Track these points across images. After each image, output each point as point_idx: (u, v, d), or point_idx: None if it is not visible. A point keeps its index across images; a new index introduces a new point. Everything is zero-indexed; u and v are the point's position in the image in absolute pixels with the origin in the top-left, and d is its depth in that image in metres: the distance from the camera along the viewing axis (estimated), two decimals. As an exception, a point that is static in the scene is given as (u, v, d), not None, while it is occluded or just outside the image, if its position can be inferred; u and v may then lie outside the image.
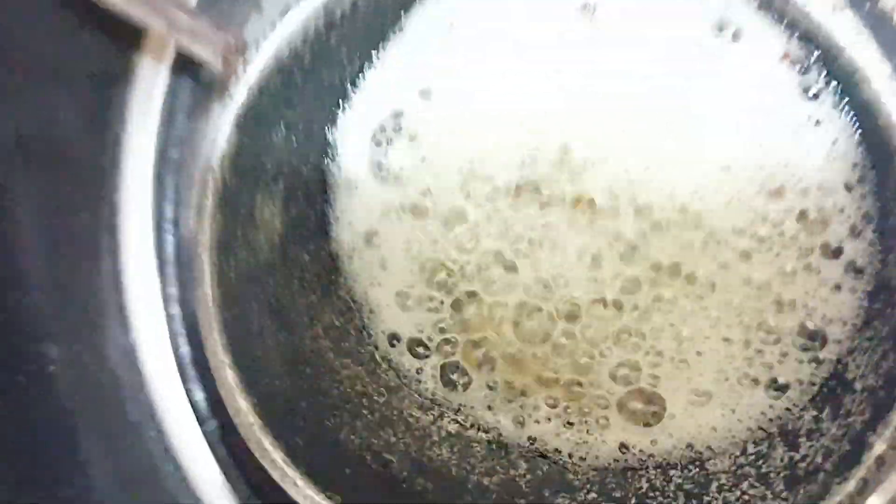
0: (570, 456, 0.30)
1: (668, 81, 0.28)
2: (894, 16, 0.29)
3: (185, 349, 0.41)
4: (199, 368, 0.41)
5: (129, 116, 0.39)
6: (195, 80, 0.39)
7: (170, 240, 0.41)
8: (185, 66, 0.39)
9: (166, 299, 0.41)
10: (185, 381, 0.41)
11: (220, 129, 0.26)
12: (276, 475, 0.26)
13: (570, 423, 0.30)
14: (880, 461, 0.23)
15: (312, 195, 0.30)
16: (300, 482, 0.25)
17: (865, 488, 0.23)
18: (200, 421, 0.41)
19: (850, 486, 0.23)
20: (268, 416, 0.25)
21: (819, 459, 0.25)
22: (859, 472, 0.23)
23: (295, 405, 0.27)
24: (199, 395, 0.41)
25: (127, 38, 0.38)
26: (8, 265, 0.42)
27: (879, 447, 0.23)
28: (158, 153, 0.39)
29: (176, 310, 0.41)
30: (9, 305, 0.42)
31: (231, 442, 0.41)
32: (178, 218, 0.41)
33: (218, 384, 0.26)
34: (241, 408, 0.25)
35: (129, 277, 0.41)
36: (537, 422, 0.31)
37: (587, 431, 0.30)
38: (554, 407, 0.30)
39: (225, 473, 0.41)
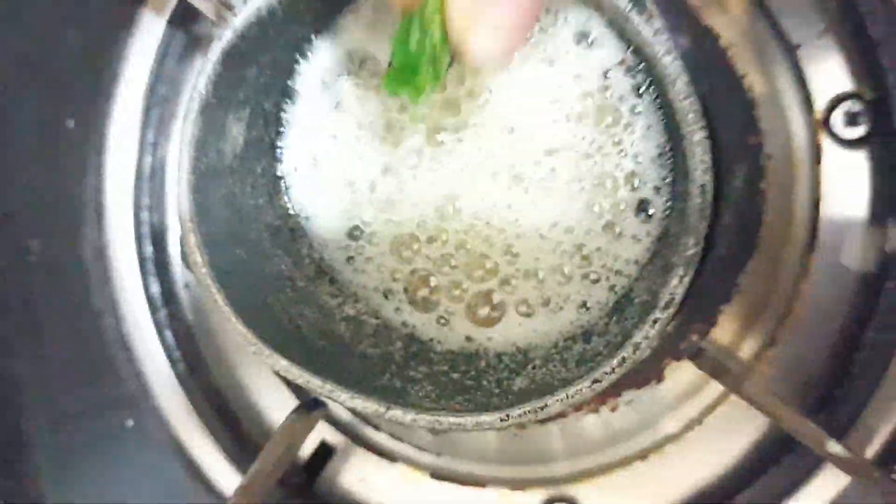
0: (430, 340, 0.40)
1: (539, 74, 0.39)
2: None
3: (147, 250, 0.50)
4: (157, 267, 0.50)
5: (127, 56, 0.48)
6: (186, 33, 0.49)
7: (148, 160, 0.49)
8: (179, 20, 0.48)
9: (138, 208, 0.50)
10: (144, 276, 0.49)
11: (209, 60, 0.35)
12: (224, 319, 0.34)
13: (439, 319, 0.40)
14: (636, 346, 0.33)
15: (269, 122, 0.39)
16: (240, 326, 0.34)
17: (623, 363, 0.33)
18: (153, 310, 0.49)
19: (615, 362, 0.33)
20: (217, 274, 0.34)
21: (601, 348, 0.35)
22: (622, 353, 0.33)
23: (236, 273, 0.36)
24: (155, 289, 0.49)
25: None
26: (3, 170, 0.50)
27: (638, 338, 0.33)
28: (149, 89, 0.48)
29: (145, 217, 0.50)
30: (1, 203, 0.50)
31: (175, 328, 0.50)
32: (157, 142, 0.50)
33: (183, 244, 0.34)
34: (198, 262, 0.34)
35: (109, 189, 0.50)
36: (409, 314, 0.41)
37: (444, 326, 0.40)
38: (424, 307, 0.41)
39: (168, 355, 0.49)
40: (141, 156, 0.48)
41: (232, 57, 0.35)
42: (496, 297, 0.39)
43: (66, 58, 0.49)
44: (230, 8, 0.36)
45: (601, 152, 0.39)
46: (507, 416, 0.33)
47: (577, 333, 0.38)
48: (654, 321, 0.33)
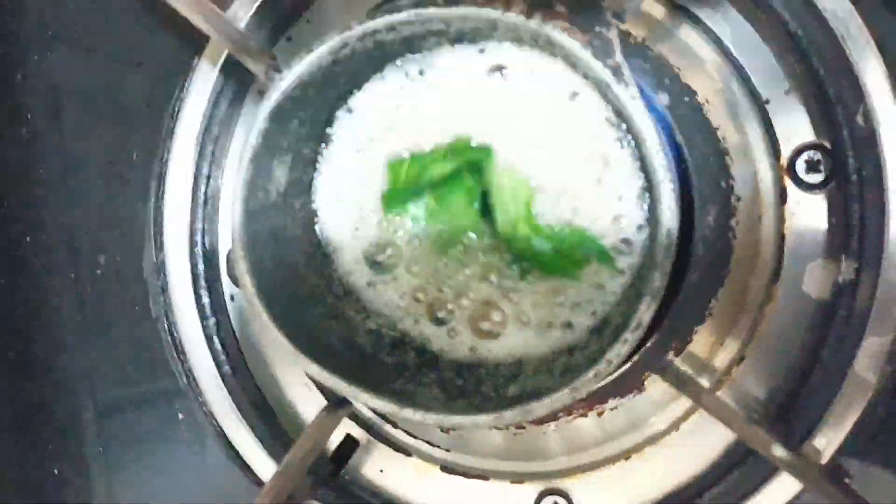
0: (440, 350, 0.47)
1: (537, 126, 0.45)
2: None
3: (200, 267, 0.56)
4: (208, 281, 0.57)
5: (186, 98, 0.55)
6: (237, 80, 0.56)
7: (202, 189, 0.56)
8: (231, 69, 0.55)
9: (192, 230, 0.56)
10: (196, 290, 0.57)
11: (259, 116, 0.41)
12: (266, 329, 0.41)
13: (449, 332, 0.47)
14: (609, 361, 0.39)
15: (307, 164, 0.47)
16: (281, 337, 0.41)
17: (598, 375, 0.39)
18: (203, 319, 0.56)
19: (591, 374, 0.39)
20: (262, 293, 0.41)
21: (582, 361, 0.42)
22: (597, 367, 0.39)
23: (277, 292, 0.43)
24: (206, 300, 0.56)
25: (195, 43, 0.55)
26: (75, 194, 0.58)
27: (610, 355, 0.39)
28: (203, 127, 0.55)
29: (199, 238, 0.57)
30: (73, 223, 0.58)
31: (222, 335, 0.57)
32: (210, 174, 0.57)
33: (234, 268, 0.41)
34: (247, 284, 0.41)
35: (168, 213, 0.57)
36: (424, 326, 0.47)
37: (453, 339, 0.46)
38: (438, 323, 0.47)
39: (215, 358, 0.56)
40: (196, 185, 0.55)
41: (278, 114, 0.42)
42: (497, 319, 0.46)
43: (133, 99, 0.57)
44: (278, 71, 0.43)
45: (591, 193, 0.45)
46: (501, 417, 0.40)
47: (563, 349, 0.45)
48: (625, 341, 0.39)
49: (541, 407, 0.39)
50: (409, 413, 0.40)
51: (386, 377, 0.43)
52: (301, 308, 0.44)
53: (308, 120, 0.43)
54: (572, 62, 0.42)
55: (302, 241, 0.46)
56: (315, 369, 0.40)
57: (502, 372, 0.44)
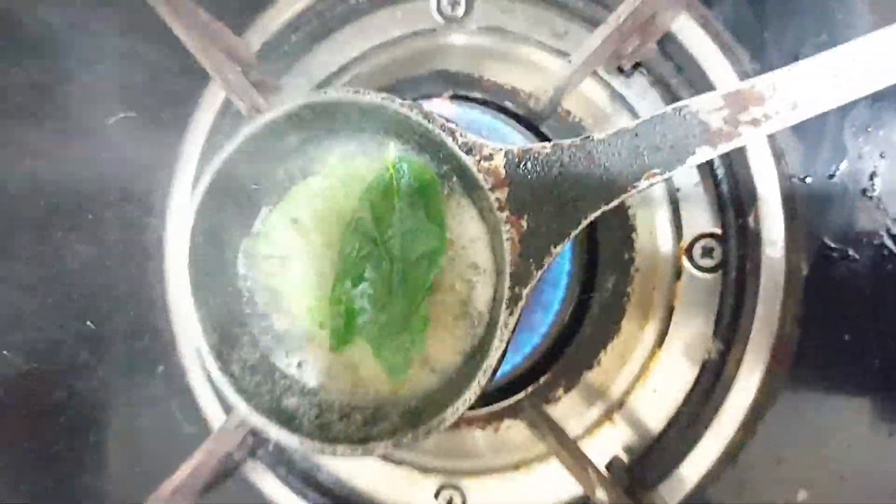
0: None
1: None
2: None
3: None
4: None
5: (197, 112, 0.65)
6: (237, 112, 0.65)
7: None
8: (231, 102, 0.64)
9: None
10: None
11: (241, 134, 0.46)
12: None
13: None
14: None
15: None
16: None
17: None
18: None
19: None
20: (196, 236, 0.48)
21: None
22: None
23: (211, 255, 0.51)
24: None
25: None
26: (112, 180, 0.68)
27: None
28: (203, 149, 0.65)
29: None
30: (105, 198, 0.68)
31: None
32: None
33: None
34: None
35: (174, 197, 0.67)
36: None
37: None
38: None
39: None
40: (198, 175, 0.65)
41: (257, 135, 0.46)
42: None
43: (157, 112, 0.66)
44: (259, 110, 0.52)
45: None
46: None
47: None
48: (441, 420, 0.41)
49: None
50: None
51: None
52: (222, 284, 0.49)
53: (279, 143, 0.48)
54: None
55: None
56: (200, 340, 0.45)
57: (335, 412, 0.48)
